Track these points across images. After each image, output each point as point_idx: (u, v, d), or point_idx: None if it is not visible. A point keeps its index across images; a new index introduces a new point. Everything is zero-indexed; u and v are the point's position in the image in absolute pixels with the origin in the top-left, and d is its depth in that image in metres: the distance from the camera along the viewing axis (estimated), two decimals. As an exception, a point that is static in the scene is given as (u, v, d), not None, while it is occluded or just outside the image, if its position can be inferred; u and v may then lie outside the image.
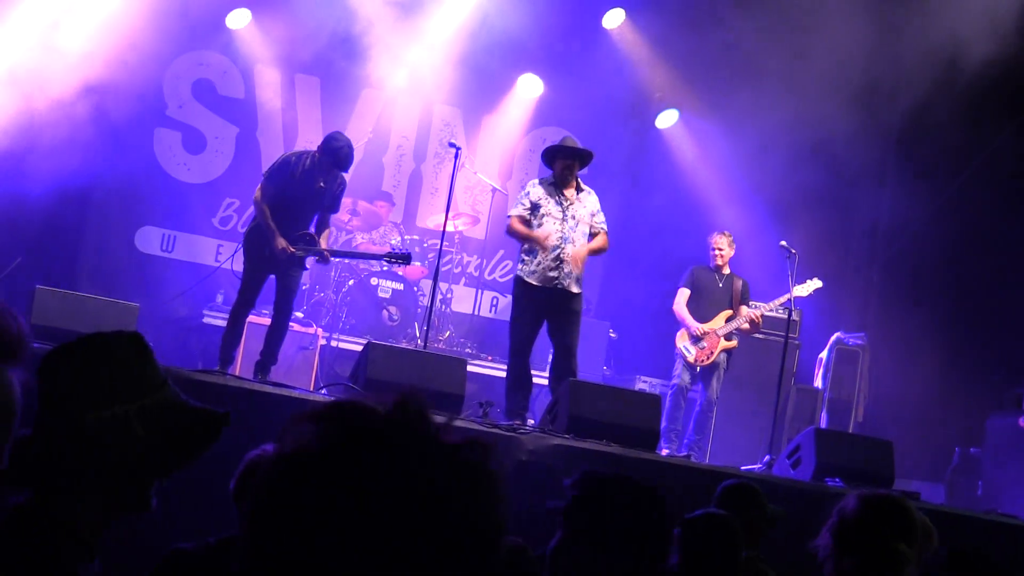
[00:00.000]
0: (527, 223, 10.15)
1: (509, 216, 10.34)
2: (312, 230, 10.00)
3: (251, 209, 10.62)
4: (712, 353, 11.74)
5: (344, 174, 10.11)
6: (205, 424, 2.54)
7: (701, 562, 4.60)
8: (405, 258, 10.36)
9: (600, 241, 10.34)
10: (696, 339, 11.75)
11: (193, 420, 2.53)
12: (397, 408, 1.47)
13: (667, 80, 15.01)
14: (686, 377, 11.77)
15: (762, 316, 12.04)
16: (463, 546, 1.41)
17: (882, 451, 9.67)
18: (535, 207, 10.13)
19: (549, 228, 10.05)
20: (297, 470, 1.42)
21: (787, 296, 11.76)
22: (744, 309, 11.90)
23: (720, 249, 12.04)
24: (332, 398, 1.48)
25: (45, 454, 2.46)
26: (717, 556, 4.61)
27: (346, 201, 10.72)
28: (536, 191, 10.20)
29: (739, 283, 12.04)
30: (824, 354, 13.67)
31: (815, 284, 11.80)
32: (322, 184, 9.87)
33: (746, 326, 11.91)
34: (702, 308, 11.92)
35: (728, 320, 11.85)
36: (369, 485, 1.39)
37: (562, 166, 10.22)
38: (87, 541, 2.47)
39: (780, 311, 12.55)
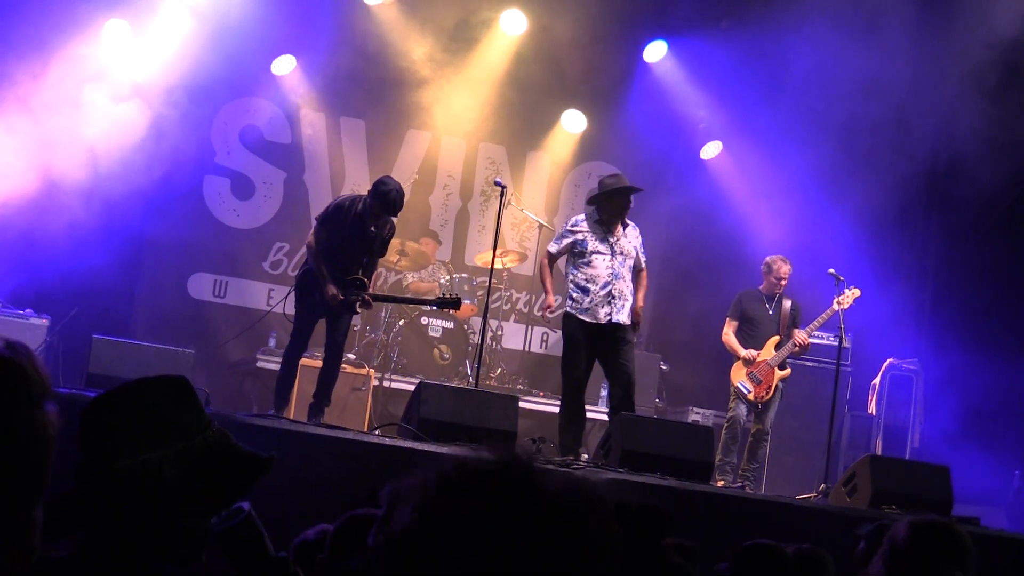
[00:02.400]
0: (576, 257, 10.25)
1: (548, 251, 10.51)
2: (361, 274, 10.07)
3: (301, 252, 10.75)
4: (770, 388, 11.67)
5: (392, 220, 10.18)
6: (243, 468, 2.56)
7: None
8: (455, 303, 10.39)
9: (644, 284, 10.48)
10: (754, 375, 11.65)
11: (231, 464, 2.56)
12: (502, 462, 1.51)
13: (709, 111, 15.03)
14: (742, 411, 11.70)
15: (809, 338, 11.93)
16: None
17: (939, 476, 9.60)
18: (583, 243, 10.19)
19: (599, 265, 10.12)
20: (411, 529, 1.47)
21: (830, 311, 11.68)
22: (794, 332, 11.80)
23: (783, 277, 11.91)
24: (454, 452, 1.52)
25: (84, 503, 2.49)
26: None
27: (393, 242, 10.80)
28: (583, 228, 10.28)
29: (787, 304, 11.92)
30: (877, 380, 13.60)
31: (855, 293, 11.62)
32: (373, 229, 9.94)
33: (796, 350, 11.84)
34: (753, 336, 11.86)
35: (777, 347, 11.77)
36: (476, 541, 1.43)
37: (620, 205, 10.23)
38: None
39: (831, 338, 12.48)
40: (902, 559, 3.67)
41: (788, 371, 11.88)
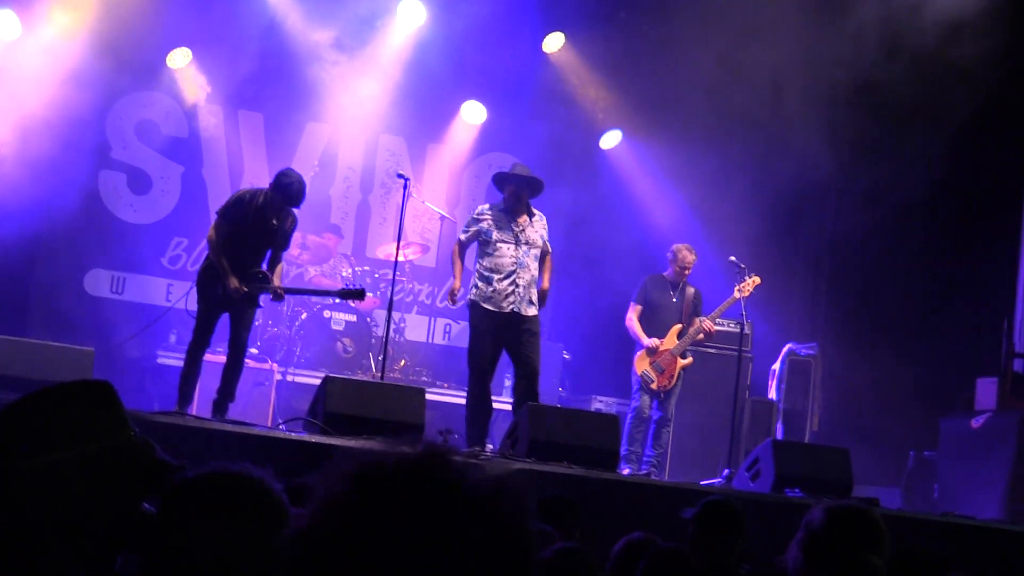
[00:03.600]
0: (481, 247, 10.29)
1: (458, 239, 10.55)
2: (264, 267, 9.99)
3: (201, 247, 10.64)
4: (672, 376, 11.77)
5: (295, 212, 10.11)
6: (153, 475, 2.52)
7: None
8: (359, 294, 10.33)
9: (549, 265, 10.54)
10: (657, 364, 11.73)
11: (142, 471, 2.51)
12: (420, 457, 1.49)
13: (609, 100, 15.12)
14: (646, 400, 11.77)
15: (714, 326, 12.05)
16: None
17: (839, 459, 9.77)
18: (487, 232, 10.24)
19: (503, 254, 10.16)
20: (328, 528, 1.44)
21: (731, 299, 11.81)
22: (696, 321, 11.91)
23: (688, 266, 11.97)
24: (367, 445, 1.50)
25: None
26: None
27: (295, 235, 10.71)
28: (487, 217, 10.33)
29: (690, 292, 12.00)
30: (777, 366, 13.78)
31: (755, 280, 11.74)
32: (275, 222, 9.86)
33: (700, 336, 11.95)
34: (655, 323, 11.92)
35: (680, 336, 11.87)
36: (397, 539, 1.41)
37: (511, 194, 10.36)
38: None
39: (732, 325, 12.64)
40: (819, 545, 3.70)
41: (690, 359, 11.99)
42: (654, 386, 11.71)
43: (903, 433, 13.82)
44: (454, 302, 10.65)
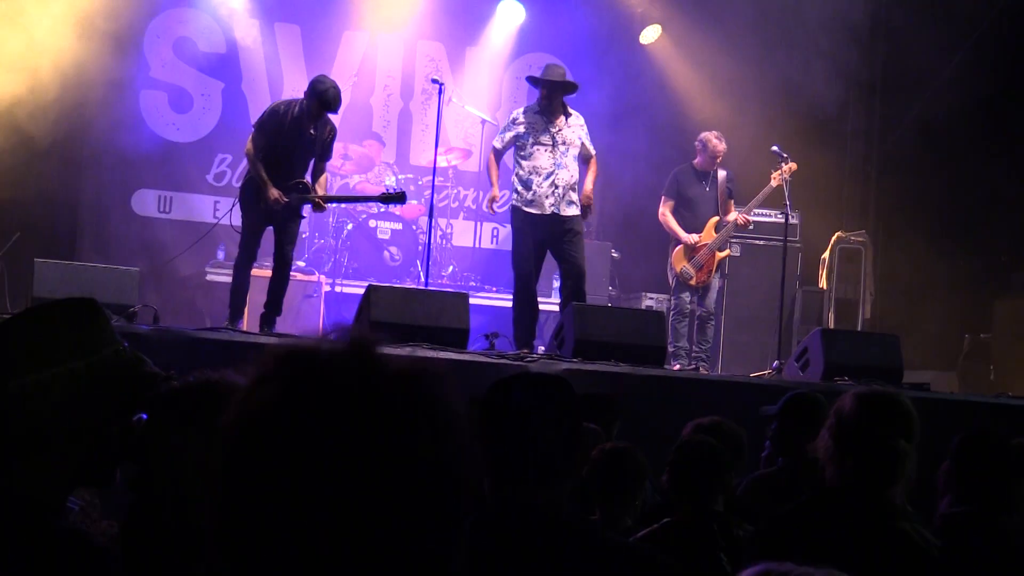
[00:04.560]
0: (519, 150, 10.27)
1: (492, 146, 10.51)
2: (308, 179, 10.01)
3: (245, 163, 10.63)
4: (711, 271, 11.66)
5: (333, 121, 10.10)
6: (137, 383, 2.53)
7: (685, 481, 4.67)
8: (400, 197, 10.32)
9: (595, 168, 10.48)
10: (696, 260, 11.62)
11: (130, 384, 2.52)
12: (343, 350, 1.48)
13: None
14: (686, 296, 11.70)
15: (749, 217, 11.91)
16: (421, 486, 1.43)
17: (889, 345, 9.72)
18: (524, 136, 10.20)
19: (541, 156, 10.12)
20: (251, 429, 1.44)
21: (767, 188, 11.65)
22: (731, 214, 11.77)
23: (718, 155, 11.77)
24: (282, 341, 1.50)
25: None
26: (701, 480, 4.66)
27: (337, 146, 10.69)
28: (523, 120, 10.29)
29: (722, 176, 11.78)
30: (827, 254, 13.68)
31: (791, 167, 11.48)
32: (312, 131, 9.85)
33: (738, 223, 11.81)
34: (690, 216, 11.76)
35: (717, 228, 11.72)
36: (322, 435, 1.40)
37: (544, 97, 10.30)
38: (50, 511, 2.46)
39: (777, 216, 12.50)
40: (849, 431, 3.70)
41: (728, 251, 11.91)
42: (693, 282, 11.62)
43: (958, 316, 13.71)
44: (493, 210, 10.64)
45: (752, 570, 1.57)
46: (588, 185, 10.37)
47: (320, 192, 10.05)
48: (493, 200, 10.47)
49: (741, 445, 5.47)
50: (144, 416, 2.54)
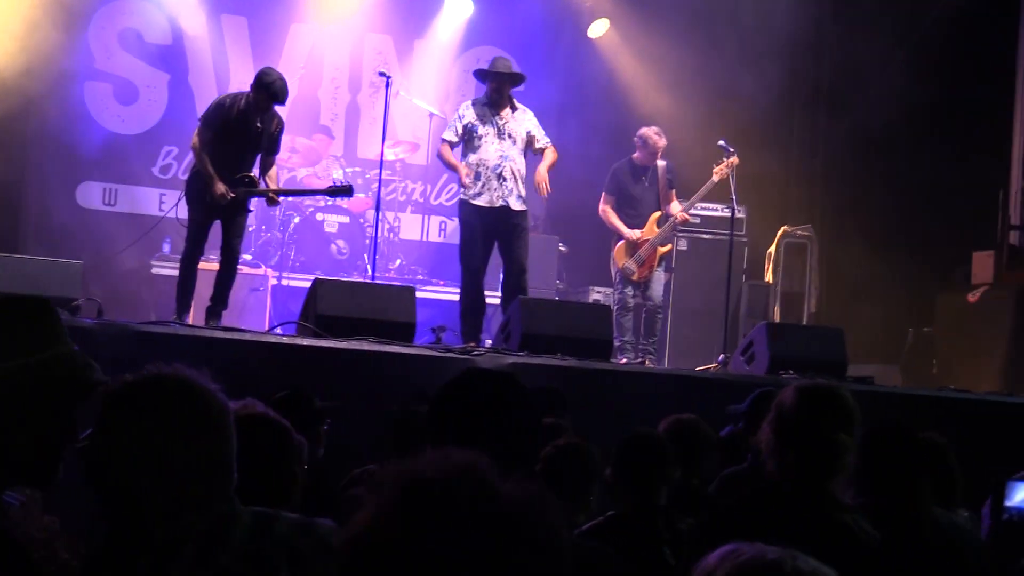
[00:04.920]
0: (466, 144, 10.28)
1: (441, 140, 10.50)
2: (256, 173, 9.98)
3: (191, 156, 10.60)
4: (652, 266, 11.73)
5: (280, 114, 10.07)
6: (79, 387, 2.52)
7: (628, 475, 4.70)
8: (347, 190, 10.33)
9: (552, 156, 10.52)
10: (638, 256, 11.67)
11: (72, 379, 2.51)
12: (458, 477, 1.54)
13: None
14: (629, 291, 11.77)
15: (688, 213, 11.99)
16: None
17: (833, 339, 9.80)
18: (471, 129, 10.20)
19: (488, 148, 10.13)
20: (376, 544, 1.53)
21: (710, 182, 11.70)
22: (674, 206, 11.81)
23: (657, 151, 11.80)
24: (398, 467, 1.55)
25: None
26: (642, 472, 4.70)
27: (284, 139, 10.66)
28: (470, 113, 10.29)
29: (661, 167, 11.81)
30: (772, 248, 13.77)
31: (732, 161, 11.54)
32: (259, 124, 9.82)
33: (678, 220, 11.88)
34: (631, 212, 11.80)
35: (659, 223, 11.77)
36: (443, 555, 1.48)
37: (492, 89, 10.31)
38: None
39: (724, 210, 12.56)
40: (789, 424, 3.73)
41: (670, 246, 11.98)
42: (635, 277, 11.69)
43: (902, 310, 13.83)
44: (467, 184, 10.46)
45: (723, 549, 1.63)
46: (542, 167, 10.37)
47: (271, 186, 10.03)
48: (467, 176, 10.34)
49: (713, 445, 5.52)
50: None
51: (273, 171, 10.17)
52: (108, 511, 2.50)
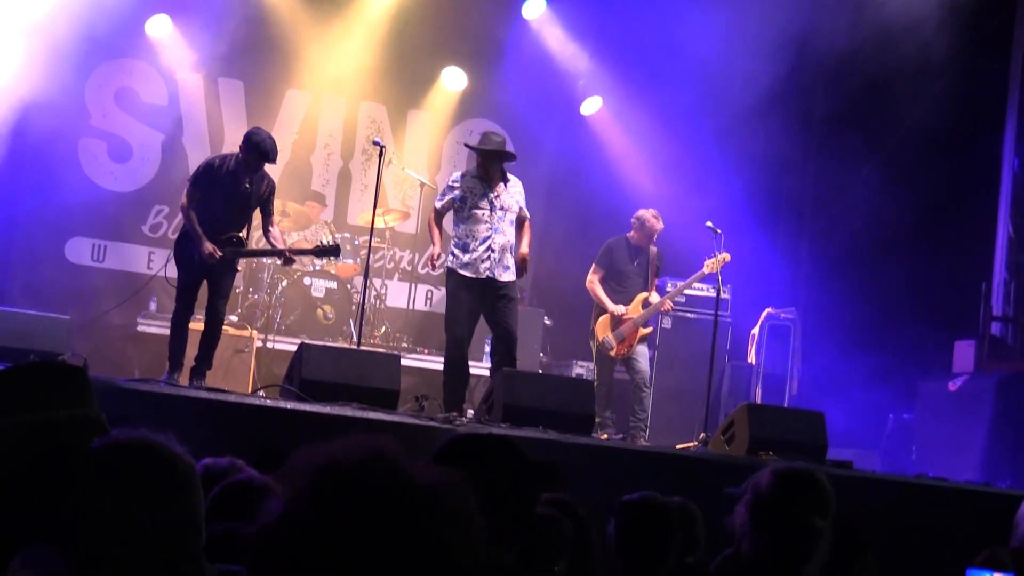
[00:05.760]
0: (456, 213, 10.33)
1: (433, 208, 10.57)
2: (244, 233, 10.05)
3: (181, 216, 10.69)
4: (631, 345, 11.81)
5: (270, 175, 10.15)
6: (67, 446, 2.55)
7: (634, 542, 4.69)
8: (334, 250, 10.38)
9: (528, 232, 10.52)
10: (619, 333, 11.74)
11: (40, 446, 2.54)
12: (371, 459, 1.56)
13: (589, 67, 15.13)
14: (608, 367, 11.89)
15: (672, 304, 12.19)
16: None
17: (814, 422, 9.81)
18: (462, 199, 10.26)
19: (478, 220, 10.18)
20: (290, 531, 1.52)
21: (699, 274, 11.85)
22: (655, 296, 11.95)
23: (653, 234, 11.94)
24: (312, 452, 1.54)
25: None
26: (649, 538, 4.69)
27: (276, 203, 10.74)
28: (462, 184, 10.34)
29: (653, 252, 11.95)
30: (756, 330, 13.85)
31: (724, 257, 11.70)
32: (248, 186, 9.90)
33: (663, 309, 12.05)
34: (619, 289, 11.90)
35: (644, 305, 11.87)
36: (355, 537, 1.48)
37: (480, 164, 10.36)
38: None
39: (709, 290, 12.68)
40: (765, 506, 3.76)
41: (650, 329, 12.05)
42: (612, 353, 11.76)
43: (883, 396, 13.89)
44: (435, 267, 10.69)
45: None
46: (523, 247, 10.43)
47: (278, 245, 10.11)
48: (433, 258, 10.48)
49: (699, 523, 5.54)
50: None
51: (276, 230, 10.25)
52: (77, 573, 2.51)
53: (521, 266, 10.31)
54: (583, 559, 4.72)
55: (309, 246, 12.67)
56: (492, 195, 10.27)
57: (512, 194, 10.38)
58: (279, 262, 10.35)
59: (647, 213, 11.97)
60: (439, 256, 10.42)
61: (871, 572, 4.35)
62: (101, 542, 2.37)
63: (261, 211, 10.14)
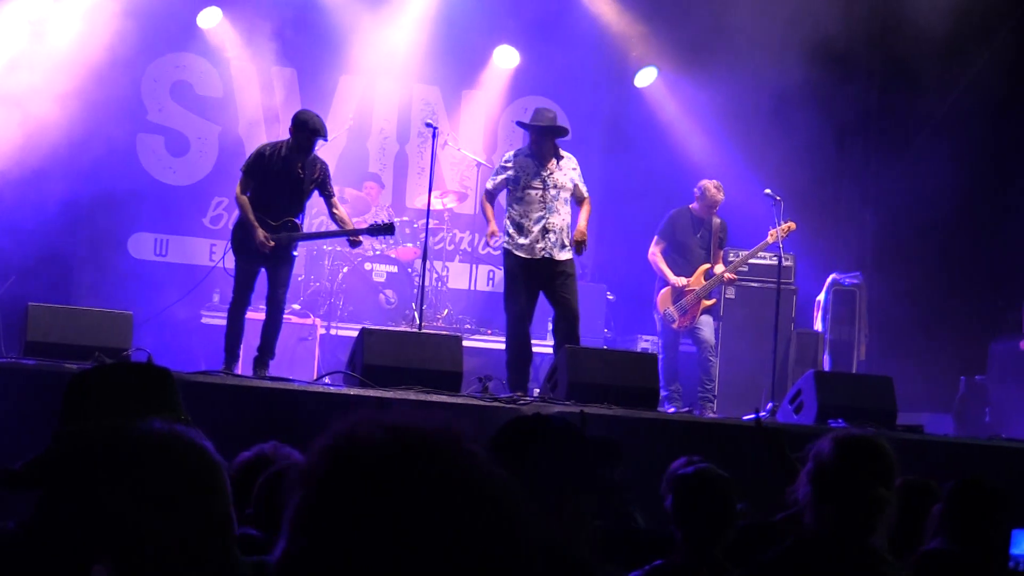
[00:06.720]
0: (510, 194, 10.29)
1: (484, 189, 10.54)
2: (299, 219, 10.04)
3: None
4: (694, 317, 11.73)
5: (323, 160, 10.12)
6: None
7: (691, 514, 4.63)
8: (389, 228, 10.31)
9: (588, 209, 10.45)
10: (681, 305, 11.68)
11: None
12: (383, 442, 1.51)
13: (643, 38, 15.00)
14: (671, 339, 11.84)
15: (735, 275, 12.13)
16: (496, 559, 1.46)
17: (883, 387, 9.74)
18: (515, 180, 10.21)
19: (532, 200, 10.13)
20: (306, 524, 1.49)
21: (764, 243, 11.77)
22: (719, 267, 11.86)
23: (715, 205, 11.86)
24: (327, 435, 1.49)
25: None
26: (706, 509, 4.63)
27: (333, 189, 10.73)
28: (514, 164, 10.30)
29: (716, 223, 11.89)
30: (821, 296, 13.70)
31: (789, 226, 11.61)
32: (301, 171, 9.87)
33: (725, 279, 11.95)
34: (681, 260, 11.85)
35: (707, 276, 11.78)
36: (373, 519, 1.45)
37: (533, 141, 10.32)
38: None
39: (771, 258, 12.56)
40: (827, 475, 3.69)
41: (713, 300, 11.95)
42: (675, 325, 11.71)
43: (954, 358, 13.72)
44: (492, 245, 10.69)
45: None
46: (581, 223, 10.36)
47: (349, 226, 10.11)
48: (492, 235, 10.46)
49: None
50: None
51: (341, 211, 10.22)
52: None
53: (579, 244, 10.26)
54: None
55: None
56: (545, 173, 10.21)
57: (566, 172, 10.31)
58: (347, 245, 10.31)
59: (709, 184, 11.88)
60: (494, 234, 10.39)
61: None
62: (129, 541, 2.35)
63: (321, 195, 10.11)
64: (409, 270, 13.34)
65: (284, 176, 9.85)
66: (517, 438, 3.04)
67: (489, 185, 10.49)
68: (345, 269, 13.06)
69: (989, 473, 8.38)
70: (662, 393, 10.59)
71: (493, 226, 10.40)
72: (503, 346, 10.81)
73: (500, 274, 13.90)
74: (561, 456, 3.01)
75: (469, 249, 14.68)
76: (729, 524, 4.60)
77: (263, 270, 9.93)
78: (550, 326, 11.10)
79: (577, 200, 10.42)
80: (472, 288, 14.07)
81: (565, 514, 2.97)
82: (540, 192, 10.16)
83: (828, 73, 14.03)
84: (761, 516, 5.75)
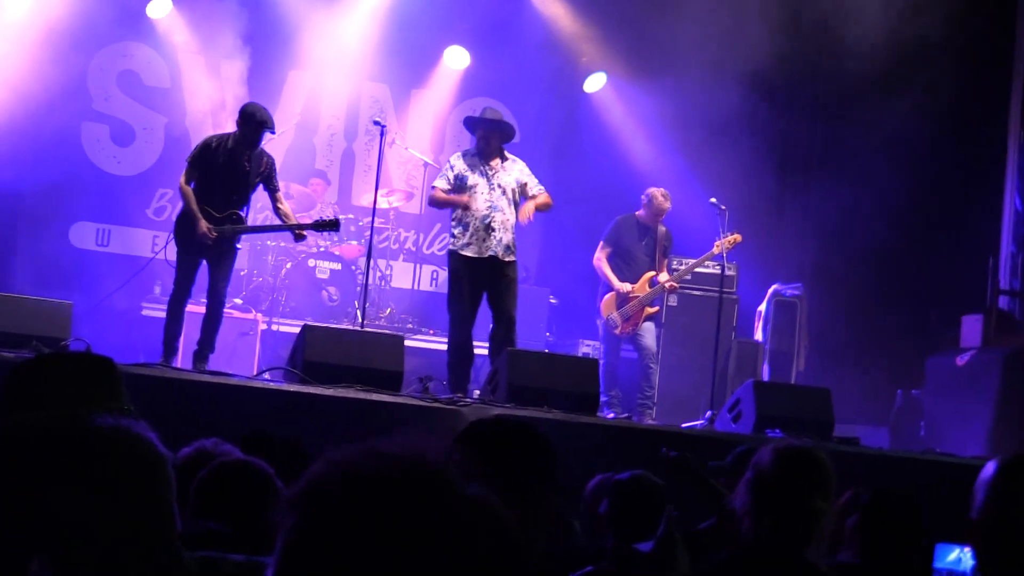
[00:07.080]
0: (456, 193, 10.27)
1: (432, 188, 10.50)
2: (244, 212, 9.99)
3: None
4: (637, 324, 11.80)
5: (270, 153, 10.06)
6: None
7: (624, 519, 4.66)
8: (333, 224, 10.23)
9: (545, 198, 10.41)
10: (624, 311, 11.74)
11: None
12: (418, 463, 1.50)
13: (593, 43, 15.04)
14: (612, 345, 11.89)
15: (677, 283, 12.19)
16: None
17: (820, 399, 9.80)
18: (461, 179, 10.21)
19: (477, 199, 10.13)
20: (327, 525, 1.46)
21: (709, 254, 11.86)
22: (663, 276, 11.92)
23: (661, 213, 11.91)
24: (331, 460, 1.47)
25: None
26: (641, 516, 4.65)
27: (279, 184, 10.69)
28: (460, 163, 10.30)
29: (662, 231, 11.95)
30: (763, 307, 13.78)
31: (735, 238, 11.72)
32: (247, 164, 9.83)
33: (667, 288, 12.02)
34: (626, 267, 11.89)
35: (651, 284, 11.84)
36: (396, 541, 1.43)
37: (481, 138, 10.33)
38: None
39: (714, 267, 12.64)
40: (766, 485, 3.71)
41: (656, 308, 12.01)
42: (618, 331, 11.77)
43: (891, 372, 13.84)
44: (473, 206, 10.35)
45: None
46: (528, 202, 10.28)
47: (288, 222, 10.04)
48: (467, 206, 10.28)
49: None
50: None
51: (285, 207, 10.16)
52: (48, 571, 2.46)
53: (524, 213, 10.15)
54: None
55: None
56: (490, 172, 10.22)
57: (511, 172, 10.31)
58: (291, 241, 10.27)
59: (657, 192, 11.93)
60: (466, 204, 10.18)
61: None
62: (71, 536, 2.33)
63: (266, 189, 10.06)
64: (353, 268, 13.31)
65: (230, 168, 9.80)
66: (478, 440, 3.04)
67: (438, 184, 10.43)
68: (288, 265, 13.02)
69: (921, 487, 8.48)
70: (602, 399, 10.61)
71: (461, 197, 10.20)
72: (445, 347, 10.80)
73: (444, 274, 13.89)
74: (543, 461, 3.04)
75: (413, 248, 14.67)
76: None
77: (204, 263, 9.87)
78: (491, 328, 11.13)
79: (531, 197, 10.34)
80: (415, 288, 14.05)
81: (540, 518, 3.00)
82: (486, 192, 10.16)
83: (770, 98, 14.19)
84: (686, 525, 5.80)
